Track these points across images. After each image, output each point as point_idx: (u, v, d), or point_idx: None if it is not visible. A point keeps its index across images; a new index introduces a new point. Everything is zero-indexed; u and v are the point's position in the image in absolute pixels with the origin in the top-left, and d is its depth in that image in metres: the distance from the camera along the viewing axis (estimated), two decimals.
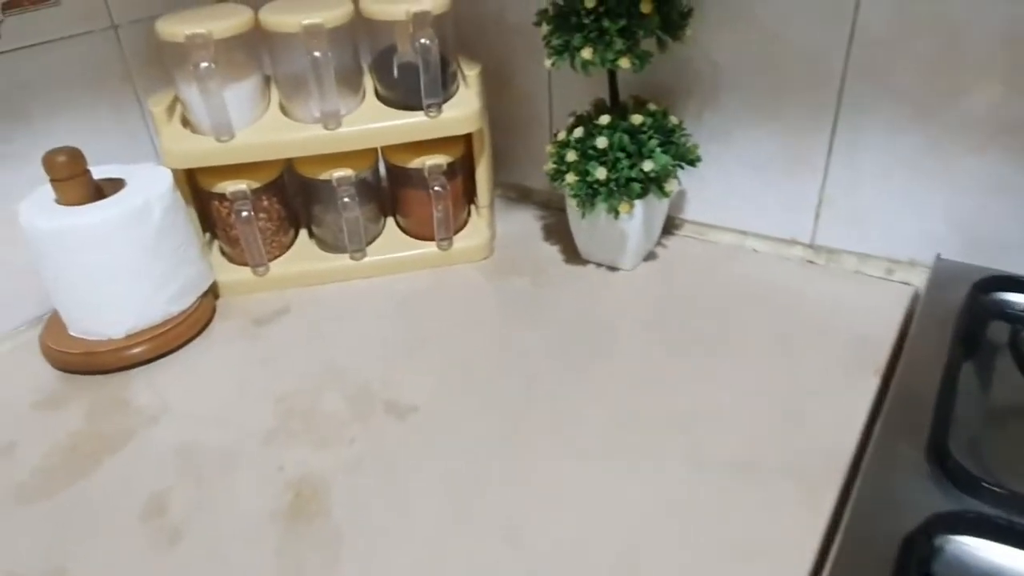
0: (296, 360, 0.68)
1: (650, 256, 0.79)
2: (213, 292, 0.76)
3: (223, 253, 0.80)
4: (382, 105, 0.74)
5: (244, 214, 0.73)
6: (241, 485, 0.55)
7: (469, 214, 0.84)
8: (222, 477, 0.56)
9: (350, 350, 0.69)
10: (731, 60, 0.71)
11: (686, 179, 0.79)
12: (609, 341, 0.68)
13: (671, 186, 0.70)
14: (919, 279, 0.70)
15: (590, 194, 0.69)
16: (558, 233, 0.84)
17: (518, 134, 0.89)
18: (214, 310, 0.75)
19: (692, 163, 0.72)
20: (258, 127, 0.72)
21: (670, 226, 0.82)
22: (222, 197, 0.74)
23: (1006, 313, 0.58)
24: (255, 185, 0.74)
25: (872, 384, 0.60)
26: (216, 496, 0.54)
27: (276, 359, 0.69)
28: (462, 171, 0.80)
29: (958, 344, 0.54)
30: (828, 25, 0.65)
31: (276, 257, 0.80)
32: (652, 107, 0.72)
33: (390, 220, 0.84)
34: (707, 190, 0.79)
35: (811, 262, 0.76)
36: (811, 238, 0.75)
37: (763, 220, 0.77)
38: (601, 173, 0.68)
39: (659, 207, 0.75)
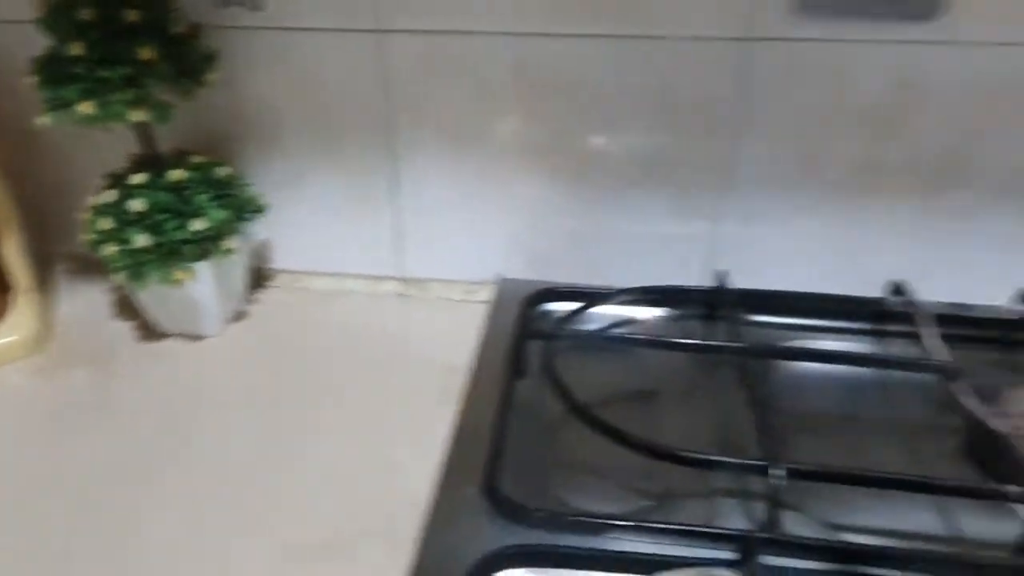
0: None
1: (240, 316, 0.72)
2: None
3: None
4: None
5: None
6: None
7: (7, 304, 0.69)
8: None
9: None
10: (282, 103, 0.67)
11: (270, 227, 0.74)
12: (187, 427, 0.59)
13: (232, 243, 0.64)
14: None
15: (137, 264, 0.60)
16: (132, 307, 0.73)
17: (62, 198, 0.76)
18: None
19: (258, 212, 0.67)
20: None
21: (262, 279, 0.77)
22: None
23: (541, 329, 0.59)
24: None
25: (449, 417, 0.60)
26: None
27: None
28: None
29: (510, 366, 0.56)
30: (360, 64, 0.64)
31: None
32: (196, 159, 0.65)
33: None
34: (293, 236, 0.75)
35: (404, 295, 0.76)
36: (400, 271, 0.75)
37: (353, 260, 0.75)
38: (143, 240, 0.60)
39: (234, 263, 0.69)
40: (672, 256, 0.70)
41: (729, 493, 0.48)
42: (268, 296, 0.76)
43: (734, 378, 0.52)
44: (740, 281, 0.65)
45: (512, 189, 0.69)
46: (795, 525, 0.46)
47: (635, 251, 0.70)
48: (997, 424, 0.45)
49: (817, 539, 0.42)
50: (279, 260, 0.77)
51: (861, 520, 0.47)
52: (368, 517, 0.52)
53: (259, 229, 0.71)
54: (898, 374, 0.58)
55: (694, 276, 0.68)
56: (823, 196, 0.65)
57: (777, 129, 0.63)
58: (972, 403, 0.47)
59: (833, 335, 0.61)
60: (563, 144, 0.66)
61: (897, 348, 0.59)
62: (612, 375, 0.60)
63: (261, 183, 0.70)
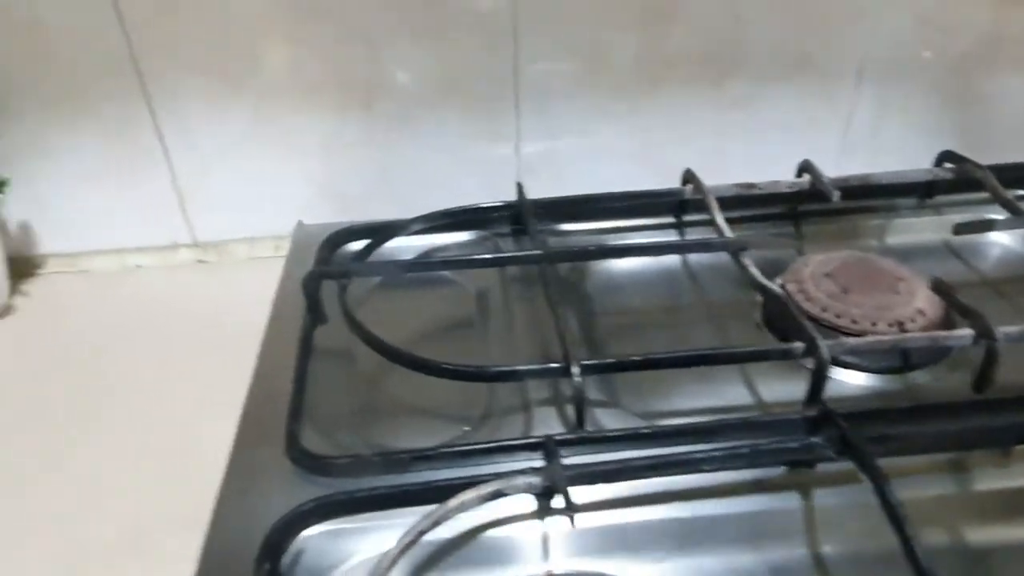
0: None
1: (4, 312, 0.63)
2: None
3: None
4: None
5: None
6: None
7: None
8: None
9: None
10: (4, 60, 0.58)
11: (26, 207, 0.65)
12: None
13: None
14: None
15: None
16: None
17: None
18: None
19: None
20: None
21: (29, 267, 0.67)
22: None
23: (331, 270, 0.55)
24: None
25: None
26: None
27: None
28: None
29: (307, 313, 0.52)
30: (88, 5, 0.56)
31: None
32: None
33: None
34: (55, 216, 0.66)
35: (202, 261, 0.69)
36: (192, 237, 0.69)
37: (135, 232, 0.68)
38: None
39: None
40: (477, 179, 0.67)
41: (545, 402, 0.47)
42: (40, 286, 0.67)
43: (542, 289, 0.51)
44: (546, 193, 0.63)
45: (296, 129, 0.64)
46: (612, 420, 0.45)
47: (439, 179, 0.67)
48: (778, 288, 0.46)
49: (615, 430, 0.41)
50: (46, 243, 0.68)
51: (676, 404, 0.47)
52: (169, 502, 0.47)
53: (8, 210, 0.63)
54: (704, 259, 0.59)
55: (501, 195, 0.66)
56: (612, 97, 0.65)
57: (555, 35, 0.61)
58: (755, 272, 0.48)
59: (639, 232, 0.62)
60: (341, 73, 0.62)
61: (696, 235, 0.60)
62: (423, 306, 0.57)
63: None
